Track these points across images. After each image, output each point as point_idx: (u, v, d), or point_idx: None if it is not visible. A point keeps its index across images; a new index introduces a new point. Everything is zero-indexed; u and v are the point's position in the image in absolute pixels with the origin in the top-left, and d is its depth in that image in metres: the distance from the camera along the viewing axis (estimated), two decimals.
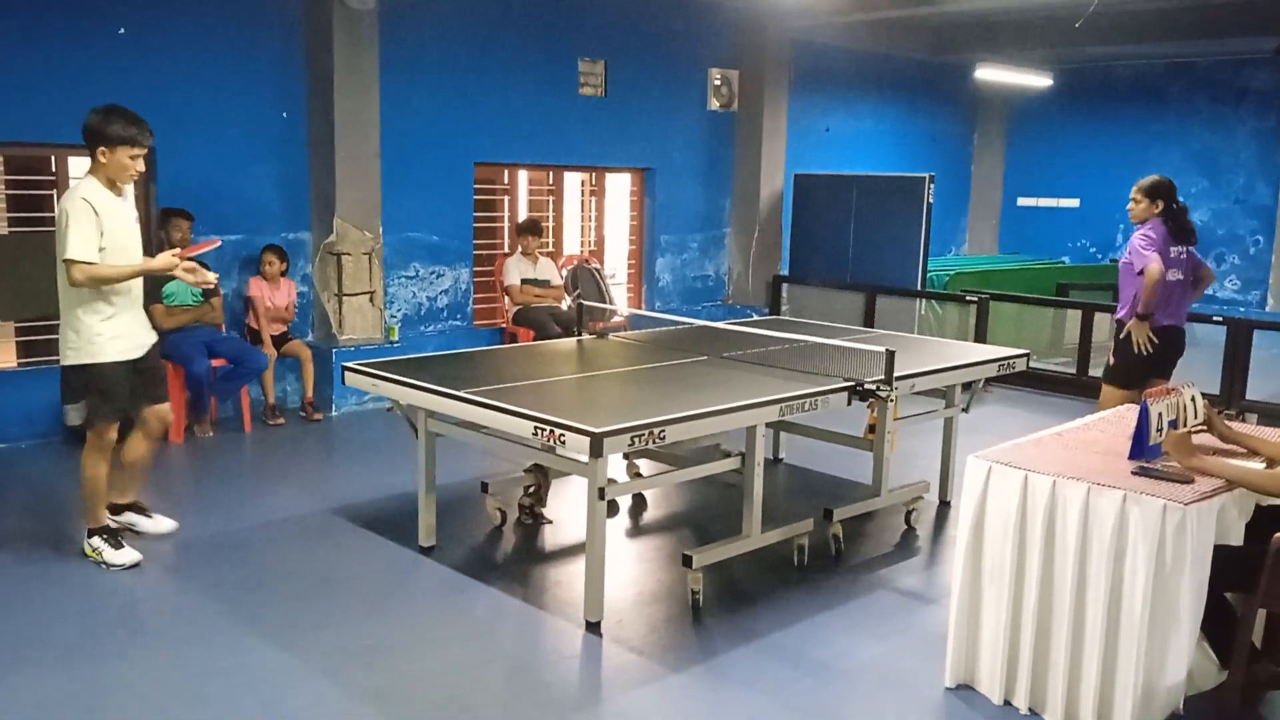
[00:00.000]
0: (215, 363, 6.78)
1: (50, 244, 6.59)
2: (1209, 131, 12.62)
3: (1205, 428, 3.79)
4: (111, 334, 4.44)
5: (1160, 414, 3.65)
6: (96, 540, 4.59)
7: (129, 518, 4.91)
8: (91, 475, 4.59)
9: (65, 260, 4.25)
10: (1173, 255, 5.72)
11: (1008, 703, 3.55)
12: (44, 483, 5.89)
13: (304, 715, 3.46)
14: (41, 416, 6.57)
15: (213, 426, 6.93)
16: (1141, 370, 5.66)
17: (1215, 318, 8.12)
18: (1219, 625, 3.39)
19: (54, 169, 6.79)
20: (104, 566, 4.51)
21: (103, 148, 4.29)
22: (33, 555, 4.76)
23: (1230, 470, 3.38)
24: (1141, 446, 3.59)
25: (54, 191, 6.77)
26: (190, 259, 4.62)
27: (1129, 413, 4.19)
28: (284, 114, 7.52)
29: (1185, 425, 3.74)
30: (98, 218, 4.27)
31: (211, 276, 5.12)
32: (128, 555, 4.57)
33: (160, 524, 4.95)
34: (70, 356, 4.42)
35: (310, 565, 4.75)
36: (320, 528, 5.23)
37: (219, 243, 5.06)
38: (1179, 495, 3.20)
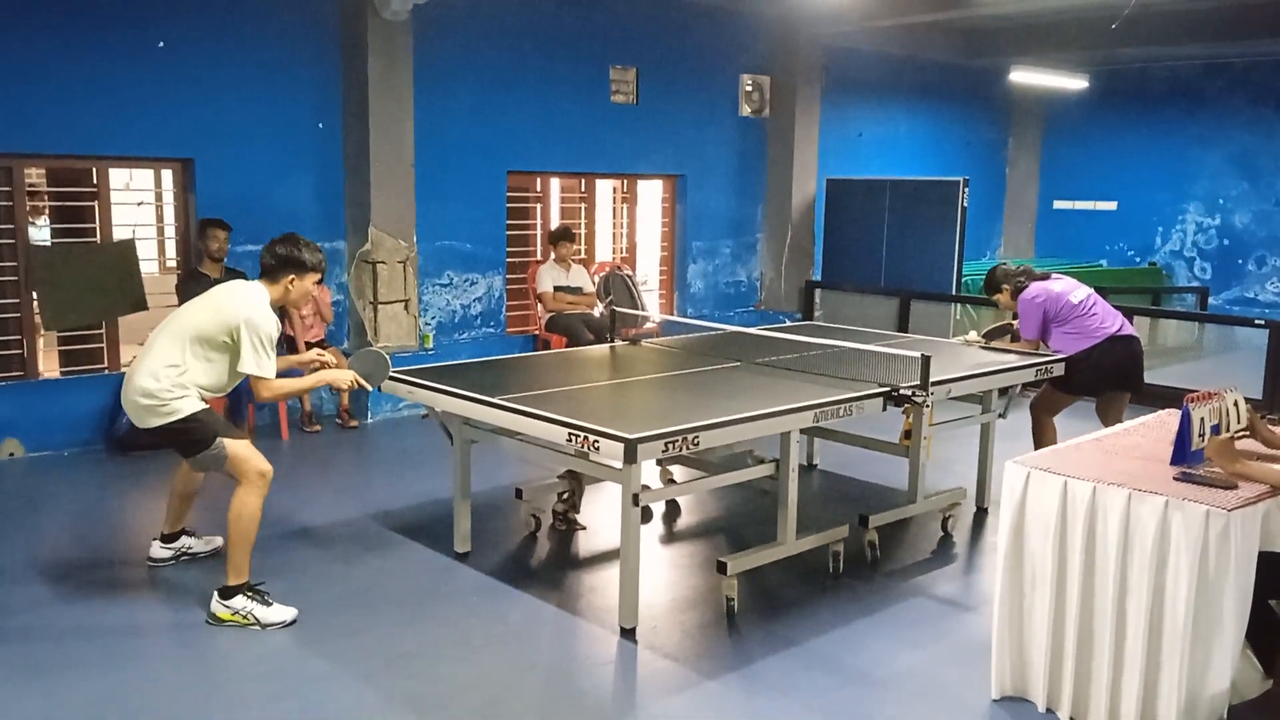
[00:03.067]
0: None
1: (93, 255, 6.62)
2: (1248, 133, 12.44)
3: (1248, 433, 3.73)
4: (210, 393, 4.33)
5: (1202, 419, 3.59)
6: (241, 599, 4.13)
7: (184, 542, 4.79)
8: (250, 515, 4.18)
9: (256, 377, 4.16)
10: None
11: (1050, 711, 3.51)
12: (89, 490, 5.97)
13: (343, 719, 3.48)
14: (84, 425, 6.68)
15: (250, 435, 7.00)
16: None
17: (1257, 321, 7.99)
18: (1264, 633, 3.34)
19: (95, 181, 6.90)
20: (256, 627, 4.09)
21: (295, 275, 4.35)
22: (79, 561, 4.84)
23: (1275, 475, 3.33)
24: (1184, 452, 3.54)
25: (94, 203, 6.89)
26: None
27: (1170, 418, 4.13)
28: (320, 124, 7.61)
29: (1228, 430, 3.68)
30: (272, 335, 4.25)
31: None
32: (283, 612, 4.16)
33: (211, 541, 4.84)
34: (176, 410, 4.15)
35: (347, 571, 4.78)
36: (357, 534, 5.27)
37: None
38: (1222, 501, 3.16)
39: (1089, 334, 5.66)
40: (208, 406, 4.25)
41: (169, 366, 4.14)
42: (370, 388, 4.61)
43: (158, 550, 4.75)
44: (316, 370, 4.54)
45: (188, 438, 4.20)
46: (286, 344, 7.40)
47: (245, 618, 4.10)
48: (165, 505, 4.77)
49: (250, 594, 4.16)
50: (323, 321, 7.54)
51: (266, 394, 4.28)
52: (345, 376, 4.48)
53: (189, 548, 4.80)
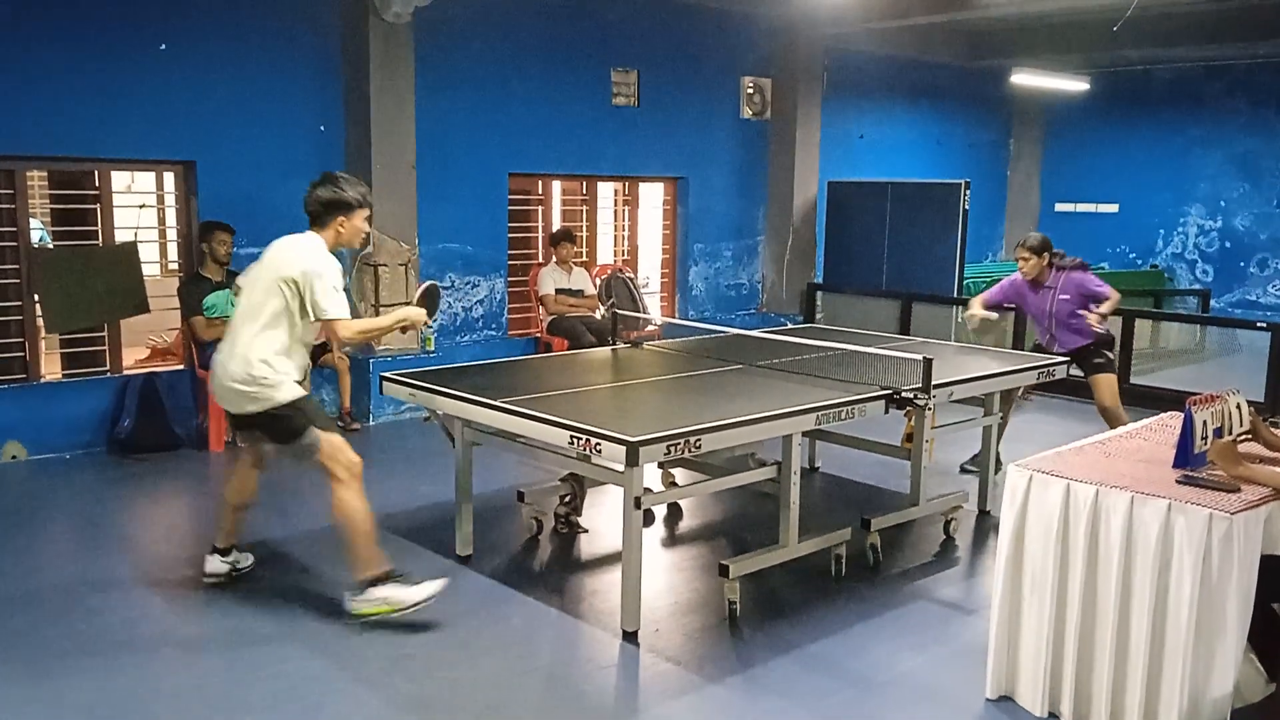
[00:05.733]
0: None
1: (95, 258, 6.63)
2: (1249, 135, 12.44)
3: (1251, 435, 3.73)
4: (297, 374, 4.24)
5: (1205, 422, 3.59)
6: (383, 589, 4.09)
7: (236, 556, 4.60)
8: (356, 509, 4.11)
9: (333, 320, 4.09)
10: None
11: (1052, 714, 3.50)
12: (91, 493, 5.97)
13: None
14: (86, 427, 6.68)
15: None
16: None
17: (1259, 324, 7.99)
18: (1266, 636, 3.34)
19: (97, 184, 6.91)
20: (408, 610, 4.06)
21: (343, 216, 4.22)
22: (80, 565, 4.84)
23: (1277, 478, 3.32)
24: (1186, 455, 3.53)
25: (97, 206, 6.89)
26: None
27: (1173, 420, 4.13)
28: (321, 127, 7.61)
29: (1230, 433, 3.68)
30: (340, 276, 4.20)
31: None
32: (429, 587, 4.13)
33: (247, 558, 4.68)
34: (274, 396, 4.10)
35: (348, 574, 4.77)
36: None
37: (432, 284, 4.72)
38: (1225, 504, 3.15)
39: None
40: (306, 394, 4.21)
41: (259, 348, 4.07)
42: (432, 323, 4.63)
43: (215, 564, 4.54)
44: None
45: (284, 425, 4.13)
46: None
47: (390, 605, 4.07)
48: (215, 514, 4.61)
49: (394, 581, 4.11)
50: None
51: (346, 334, 4.18)
52: (420, 315, 4.41)
53: (238, 562, 4.60)
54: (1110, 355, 6.45)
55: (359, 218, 4.27)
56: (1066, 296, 6.31)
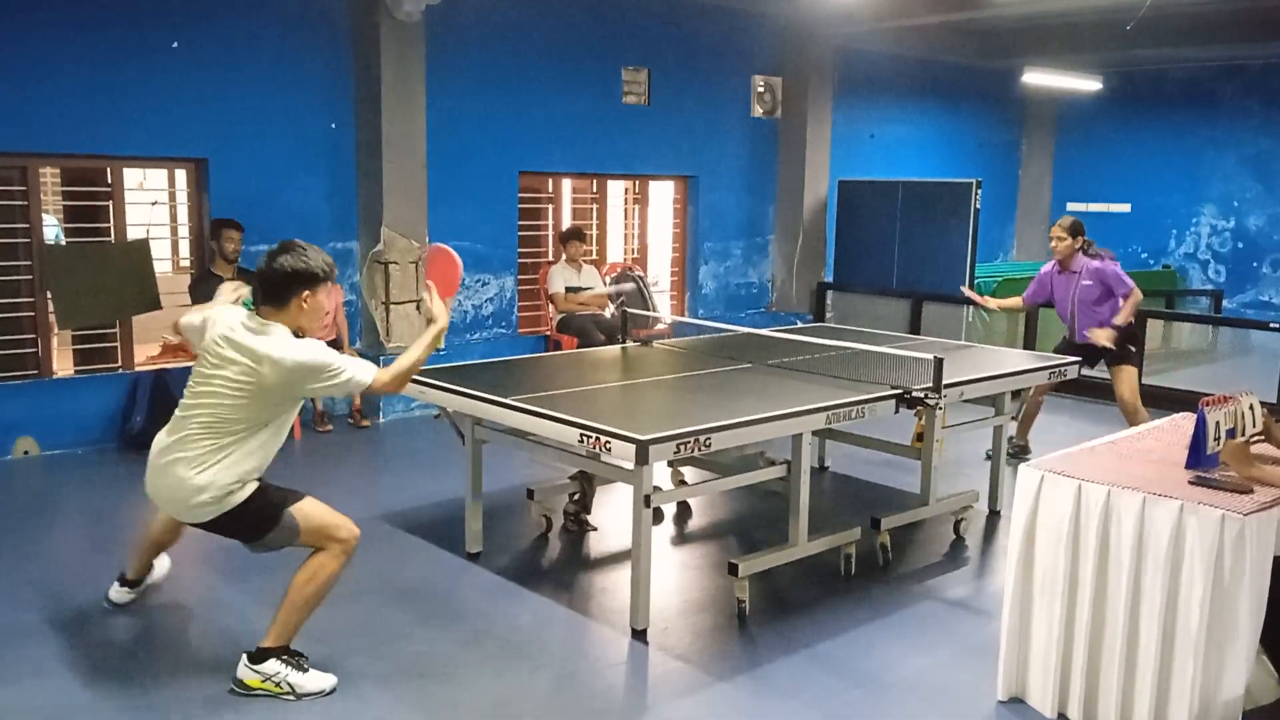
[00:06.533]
0: None
1: (107, 255, 6.66)
2: (1263, 135, 12.38)
3: (1263, 436, 3.71)
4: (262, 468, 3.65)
5: (1217, 423, 3.57)
6: (275, 663, 3.58)
7: (145, 584, 4.25)
8: (326, 582, 3.63)
9: (367, 388, 3.54)
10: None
11: (1062, 716, 3.49)
12: (102, 489, 6.00)
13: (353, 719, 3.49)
14: (98, 423, 6.71)
15: None
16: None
17: (1272, 324, 7.95)
18: (1278, 638, 3.31)
19: (109, 180, 6.93)
20: (290, 697, 3.56)
21: (307, 291, 3.52)
22: (91, 560, 4.86)
23: None
24: (1199, 456, 3.52)
25: (109, 203, 6.92)
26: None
27: (1185, 421, 4.11)
28: (332, 125, 7.63)
29: (1243, 434, 3.66)
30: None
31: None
32: (321, 679, 3.63)
33: (162, 564, 4.32)
34: (234, 500, 3.51)
35: (358, 571, 4.77)
36: (368, 534, 5.23)
37: (448, 250, 4.30)
38: (1238, 505, 3.14)
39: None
40: (263, 481, 3.61)
41: (219, 457, 3.46)
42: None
43: (118, 594, 4.17)
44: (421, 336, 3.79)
45: (251, 521, 3.54)
46: None
47: (278, 685, 3.56)
48: (132, 542, 4.20)
49: (285, 658, 3.60)
50: (336, 324, 7.55)
51: (393, 387, 3.65)
52: (445, 319, 3.81)
53: (151, 582, 4.29)
54: (1133, 349, 6.52)
55: (324, 293, 3.58)
56: (1090, 283, 6.45)
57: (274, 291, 3.52)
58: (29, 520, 5.39)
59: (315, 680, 3.62)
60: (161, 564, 4.32)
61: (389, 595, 4.51)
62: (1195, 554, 3.15)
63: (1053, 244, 6.58)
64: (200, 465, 3.45)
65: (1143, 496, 3.25)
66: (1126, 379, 6.40)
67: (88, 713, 3.49)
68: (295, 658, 3.63)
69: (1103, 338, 6.30)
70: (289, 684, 3.57)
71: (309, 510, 3.61)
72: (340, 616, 4.24)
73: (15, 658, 3.85)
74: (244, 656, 3.60)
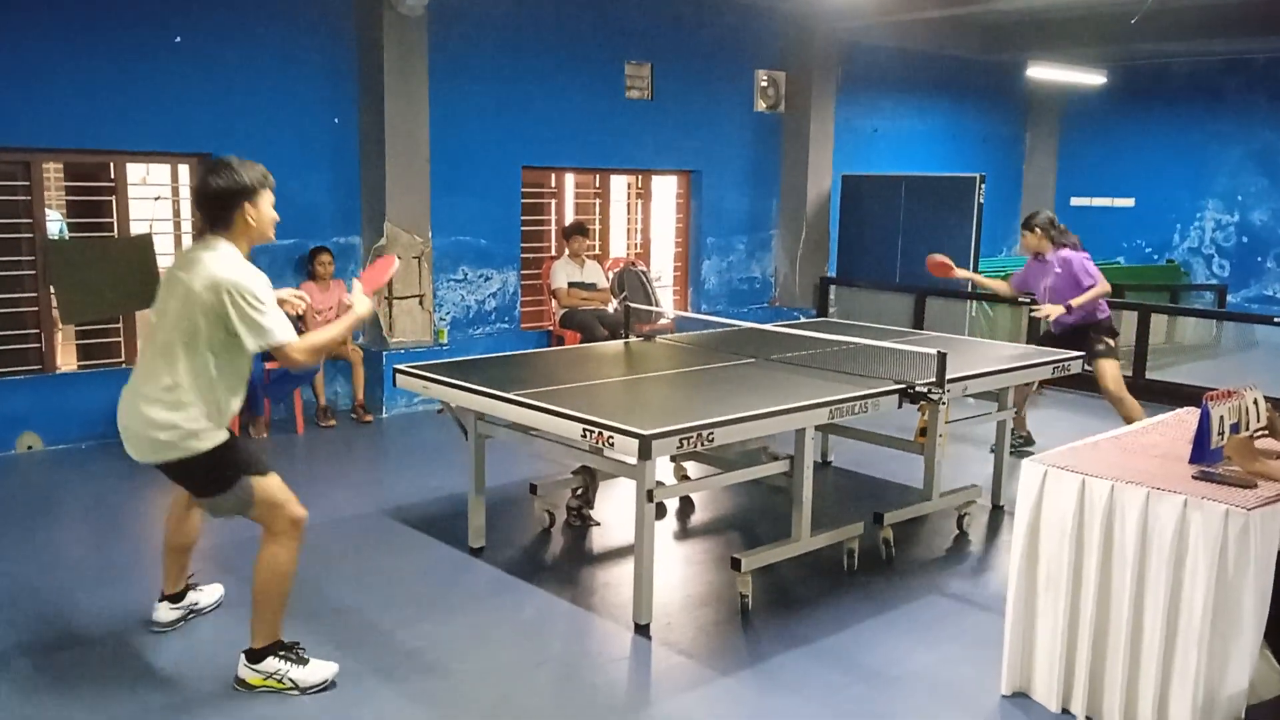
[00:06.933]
0: (268, 365, 6.88)
1: (110, 250, 6.63)
2: (1268, 129, 12.34)
3: (1268, 431, 3.70)
4: (234, 407, 3.59)
5: (1221, 417, 3.57)
6: (273, 661, 3.56)
7: (191, 598, 4.12)
8: (285, 572, 3.56)
9: (279, 346, 3.41)
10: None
11: (1065, 710, 3.49)
12: (106, 484, 6.01)
13: (357, 714, 3.49)
14: (101, 418, 6.69)
15: (266, 428, 7.04)
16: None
17: (1277, 319, 7.94)
18: None
19: (112, 175, 6.94)
20: (294, 691, 3.55)
21: (247, 203, 3.46)
22: (95, 554, 4.87)
23: None
24: (1203, 450, 3.51)
25: (112, 198, 6.92)
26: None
27: (1189, 416, 4.10)
28: (335, 119, 7.62)
29: (1247, 429, 3.66)
30: (268, 285, 3.48)
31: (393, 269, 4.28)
32: (323, 669, 3.61)
33: (213, 591, 4.24)
34: (195, 445, 3.43)
35: (362, 565, 4.80)
36: (371, 529, 5.29)
37: (395, 261, 4.21)
38: (1242, 500, 3.13)
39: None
40: (233, 437, 3.54)
41: (174, 387, 3.40)
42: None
43: (164, 613, 4.05)
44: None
45: (207, 475, 3.48)
46: None
47: (280, 681, 3.55)
48: (162, 560, 4.07)
49: (283, 654, 3.59)
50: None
51: (299, 357, 3.46)
52: (369, 311, 3.78)
53: (195, 604, 4.15)
54: (1110, 342, 6.53)
55: (265, 201, 3.53)
56: (1060, 271, 6.51)
57: (215, 214, 3.47)
58: (32, 515, 5.39)
59: (317, 671, 3.60)
60: (213, 591, 4.22)
61: (392, 590, 4.51)
62: (1199, 549, 3.14)
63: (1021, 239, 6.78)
64: (156, 402, 3.41)
65: (1147, 491, 3.25)
66: (1104, 371, 6.42)
67: (89, 712, 3.49)
68: (292, 650, 3.62)
69: (1050, 312, 6.38)
70: (291, 680, 3.56)
71: (268, 484, 3.53)
72: (342, 611, 4.25)
73: (15, 657, 3.85)
74: (241, 656, 3.59)
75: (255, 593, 3.57)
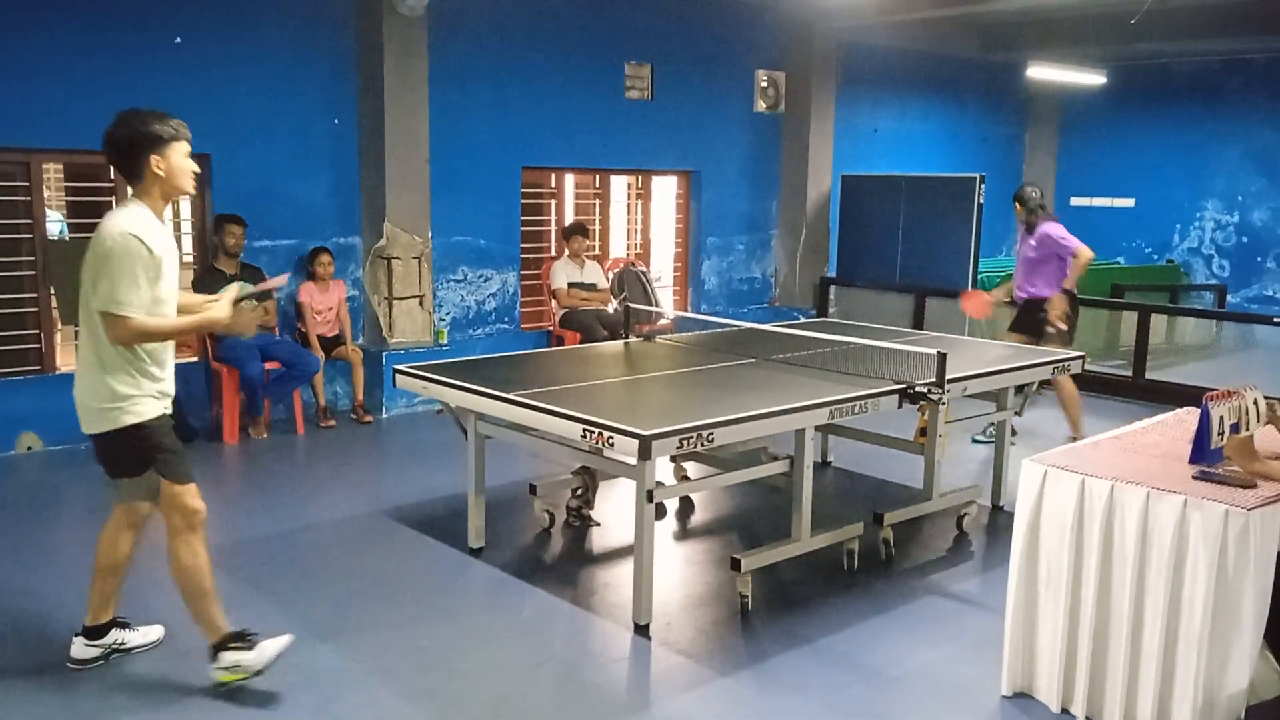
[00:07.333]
0: (268, 365, 6.88)
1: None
2: (1267, 129, 12.33)
3: (1271, 421, 3.69)
4: (160, 388, 3.51)
5: (1221, 417, 3.56)
6: (229, 654, 3.54)
7: (115, 636, 3.78)
8: (191, 565, 3.51)
9: (106, 313, 3.29)
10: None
11: (1065, 710, 3.49)
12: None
13: (357, 714, 3.49)
14: None
15: (266, 428, 7.04)
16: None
17: (1276, 319, 7.94)
18: None
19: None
20: (257, 677, 3.56)
21: (155, 155, 3.34)
22: (88, 557, 4.86)
23: None
24: (1203, 450, 3.51)
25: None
26: (249, 297, 3.73)
27: (1189, 416, 4.10)
28: (336, 120, 7.62)
29: (1248, 429, 3.65)
30: (154, 258, 3.33)
31: (275, 283, 4.47)
32: (270, 646, 3.58)
33: (150, 633, 3.91)
34: (115, 419, 3.41)
35: (361, 566, 4.80)
36: (371, 529, 5.29)
37: (285, 281, 4.30)
38: (1242, 500, 3.13)
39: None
40: (162, 416, 3.48)
41: (97, 351, 3.37)
42: (249, 334, 3.90)
43: (81, 649, 3.72)
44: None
45: (124, 450, 3.46)
46: (301, 339, 7.42)
47: (243, 673, 3.55)
48: (88, 587, 3.77)
49: (233, 645, 3.55)
50: (339, 320, 7.56)
51: (124, 334, 3.29)
52: (221, 315, 3.57)
53: (121, 642, 3.79)
54: (1062, 326, 6.60)
55: (176, 153, 3.38)
56: (1034, 243, 6.79)
57: (123, 165, 3.42)
58: (32, 515, 5.39)
59: (267, 649, 3.58)
60: (149, 632, 3.91)
61: (391, 590, 4.52)
62: (1199, 549, 3.14)
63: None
64: (89, 368, 3.41)
65: (1146, 491, 3.25)
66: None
67: (89, 713, 3.49)
68: (241, 639, 3.58)
69: (1055, 319, 6.56)
70: (244, 667, 3.56)
71: (181, 489, 3.49)
72: (342, 611, 4.25)
73: (16, 657, 3.85)
74: (207, 659, 3.59)
75: (182, 597, 3.58)
